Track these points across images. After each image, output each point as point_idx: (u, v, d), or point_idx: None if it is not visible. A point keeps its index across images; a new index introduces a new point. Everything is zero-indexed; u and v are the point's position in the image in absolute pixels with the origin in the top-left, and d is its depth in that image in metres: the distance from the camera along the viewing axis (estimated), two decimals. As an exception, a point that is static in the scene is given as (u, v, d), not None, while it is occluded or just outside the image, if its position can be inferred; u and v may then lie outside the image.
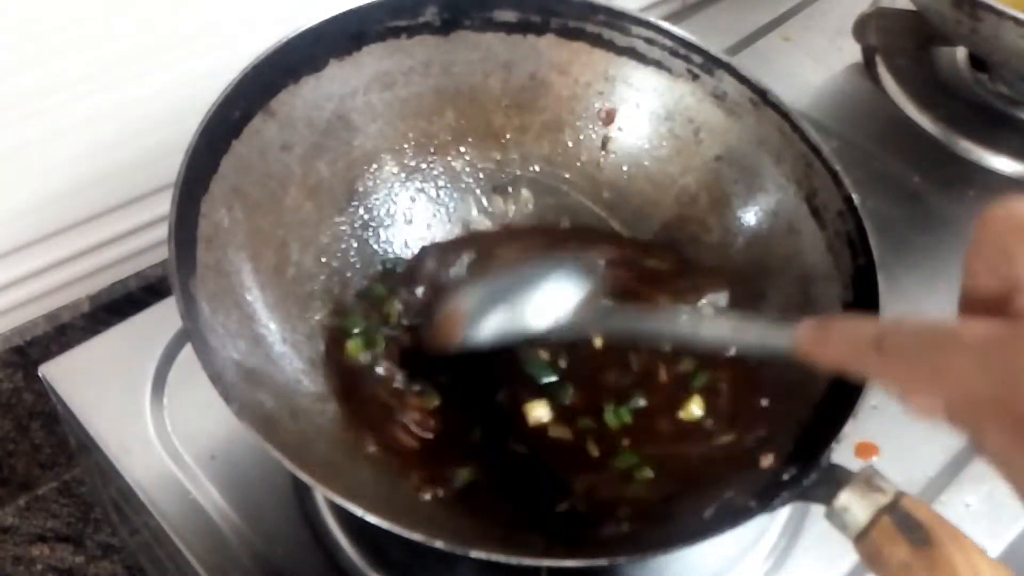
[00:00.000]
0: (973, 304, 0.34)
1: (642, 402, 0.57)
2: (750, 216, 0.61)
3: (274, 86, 0.57)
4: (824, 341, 0.37)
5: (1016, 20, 0.67)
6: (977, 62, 0.85)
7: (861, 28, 0.85)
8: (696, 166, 0.63)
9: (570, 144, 0.65)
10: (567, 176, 0.65)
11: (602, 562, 0.44)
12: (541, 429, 0.56)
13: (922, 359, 0.33)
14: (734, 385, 0.57)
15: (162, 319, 0.64)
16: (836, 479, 0.46)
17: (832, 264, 0.57)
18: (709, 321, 0.54)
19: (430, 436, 0.55)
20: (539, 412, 0.57)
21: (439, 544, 0.43)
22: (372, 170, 0.62)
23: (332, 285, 0.59)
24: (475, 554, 0.44)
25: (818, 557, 0.57)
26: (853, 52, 0.86)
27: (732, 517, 0.46)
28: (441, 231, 0.63)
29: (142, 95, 0.66)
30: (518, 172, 0.64)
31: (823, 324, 0.38)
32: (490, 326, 0.54)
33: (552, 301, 0.54)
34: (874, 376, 0.36)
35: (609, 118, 0.62)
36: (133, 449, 0.59)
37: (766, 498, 0.47)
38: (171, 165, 0.50)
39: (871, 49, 0.86)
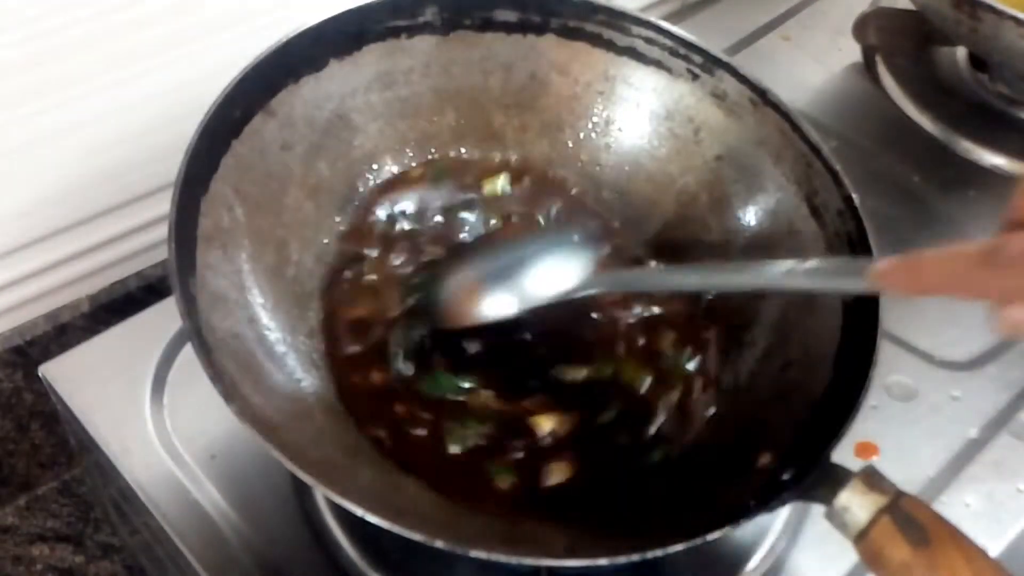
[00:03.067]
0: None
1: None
2: (750, 216, 0.61)
3: (274, 86, 0.57)
4: (916, 272, 0.39)
5: (1016, 20, 0.67)
6: (977, 62, 0.85)
7: (861, 28, 0.85)
8: (696, 166, 0.63)
9: (570, 144, 0.64)
10: (567, 176, 0.65)
11: (602, 562, 0.44)
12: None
13: None
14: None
15: (162, 319, 0.64)
16: (836, 479, 0.46)
17: (832, 264, 0.57)
18: (768, 268, 0.50)
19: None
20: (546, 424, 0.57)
21: (439, 544, 0.43)
22: (372, 170, 0.62)
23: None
24: (475, 554, 0.44)
25: (818, 557, 0.57)
26: (853, 52, 0.86)
27: (732, 517, 0.46)
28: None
29: (142, 95, 0.66)
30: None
31: (910, 260, 0.39)
32: (506, 298, 0.55)
33: (566, 268, 0.55)
34: (975, 293, 0.37)
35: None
36: (133, 449, 0.59)
37: (766, 498, 0.47)
38: (171, 165, 0.50)
39: (871, 49, 0.86)
